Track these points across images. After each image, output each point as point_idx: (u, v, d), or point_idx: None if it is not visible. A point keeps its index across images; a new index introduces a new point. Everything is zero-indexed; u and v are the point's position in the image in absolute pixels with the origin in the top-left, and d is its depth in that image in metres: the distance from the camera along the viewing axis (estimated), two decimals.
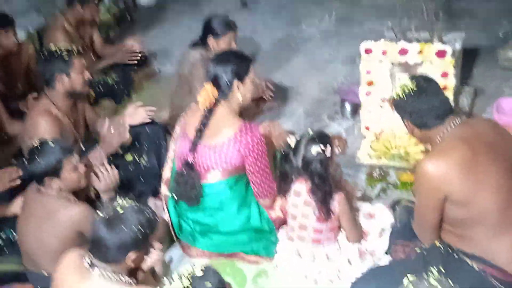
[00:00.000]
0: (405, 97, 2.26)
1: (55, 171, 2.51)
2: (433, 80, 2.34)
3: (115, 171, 2.78)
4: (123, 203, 2.05)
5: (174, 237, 2.88)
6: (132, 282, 2.11)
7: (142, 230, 2.02)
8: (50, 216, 2.47)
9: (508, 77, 4.18)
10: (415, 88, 2.25)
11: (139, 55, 4.60)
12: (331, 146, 2.54)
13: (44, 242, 2.46)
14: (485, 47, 4.63)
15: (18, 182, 2.86)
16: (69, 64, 3.04)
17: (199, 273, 1.79)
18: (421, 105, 2.23)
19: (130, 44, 4.61)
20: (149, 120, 3.33)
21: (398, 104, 2.32)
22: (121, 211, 2.02)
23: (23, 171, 3.10)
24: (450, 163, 2.10)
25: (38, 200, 2.55)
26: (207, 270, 1.81)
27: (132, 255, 2.05)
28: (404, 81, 2.33)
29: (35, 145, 2.54)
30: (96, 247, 2.05)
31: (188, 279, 1.78)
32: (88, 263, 2.05)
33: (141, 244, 2.06)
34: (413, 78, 2.33)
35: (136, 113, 3.30)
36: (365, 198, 3.09)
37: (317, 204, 2.52)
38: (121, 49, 4.57)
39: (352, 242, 2.64)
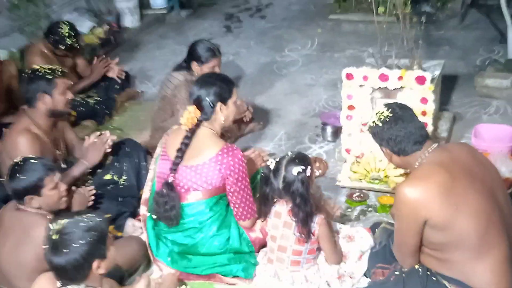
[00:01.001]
0: (381, 124, 2.30)
1: (36, 189, 2.49)
2: (408, 107, 2.37)
3: (89, 188, 2.78)
4: (55, 227, 2.00)
5: (152, 258, 2.84)
6: None
7: (89, 239, 1.98)
8: (27, 235, 2.43)
9: (485, 104, 4.26)
10: (390, 116, 2.29)
11: (114, 65, 4.60)
12: (311, 167, 2.56)
13: (20, 260, 2.41)
14: (463, 74, 4.73)
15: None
16: (52, 84, 3.04)
17: None
18: (398, 132, 2.26)
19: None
20: (108, 150, 3.22)
21: (375, 132, 2.34)
22: (56, 236, 1.98)
23: (2, 190, 3.08)
24: (429, 188, 2.13)
25: (16, 218, 2.51)
26: None
27: (95, 265, 2.02)
28: (380, 108, 2.36)
29: (18, 162, 2.53)
30: (58, 275, 2.02)
31: None
32: (60, 284, 2.03)
33: (97, 251, 2.02)
34: (388, 105, 2.36)
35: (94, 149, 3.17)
36: (345, 220, 3.10)
37: (297, 225, 2.52)
38: (95, 68, 4.55)
39: (331, 264, 2.64)
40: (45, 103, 3.05)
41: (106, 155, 3.24)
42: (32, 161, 2.53)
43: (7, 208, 2.63)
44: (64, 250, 1.96)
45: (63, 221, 2.01)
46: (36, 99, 3.04)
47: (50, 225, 2.02)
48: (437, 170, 2.16)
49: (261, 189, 2.63)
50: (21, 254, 2.42)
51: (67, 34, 4.21)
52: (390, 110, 2.31)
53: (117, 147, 3.32)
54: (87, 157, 3.09)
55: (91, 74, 4.55)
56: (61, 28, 4.20)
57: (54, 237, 1.99)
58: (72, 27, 4.29)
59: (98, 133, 3.23)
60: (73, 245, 1.96)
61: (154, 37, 6.39)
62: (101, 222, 2.06)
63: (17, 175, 2.48)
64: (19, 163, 2.52)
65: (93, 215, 2.07)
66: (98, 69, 4.55)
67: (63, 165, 3.17)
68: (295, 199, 2.51)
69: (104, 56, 4.80)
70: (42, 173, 2.50)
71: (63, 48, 4.26)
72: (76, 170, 3.09)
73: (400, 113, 2.29)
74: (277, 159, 2.59)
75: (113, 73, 4.64)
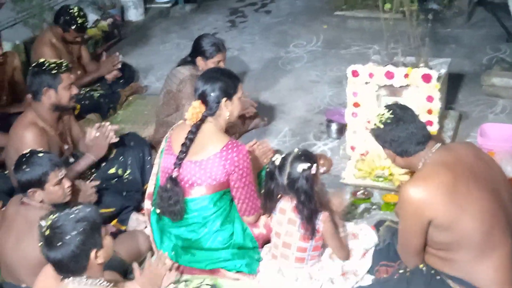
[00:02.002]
0: (383, 126, 2.30)
1: (40, 183, 2.49)
2: (409, 108, 2.37)
3: (91, 184, 2.77)
4: (47, 223, 2.00)
5: (156, 252, 2.84)
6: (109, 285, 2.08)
7: (81, 229, 1.97)
8: (31, 228, 2.42)
9: (491, 103, 4.24)
10: (391, 117, 2.28)
11: (119, 65, 4.61)
12: (316, 164, 2.55)
13: (25, 254, 2.42)
14: (470, 73, 4.71)
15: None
16: (57, 79, 3.03)
17: None
18: (400, 133, 2.26)
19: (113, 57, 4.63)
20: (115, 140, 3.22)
21: (377, 134, 2.35)
22: (48, 232, 1.97)
23: (6, 183, 3.09)
24: (433, 188, 2.12)
25: (20, 212, 2.52)
26: None
27: (93, 255, 2.01)
28: (381, 110, 2.36)
29: (25, 154, 2.54)
30: (58, 269, 2.02)
31: None
32: (61, 278, 2.03)
33: (92, 240, 2.01)
34: (389, 107, 2.36)
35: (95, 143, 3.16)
36: (349, 218, 3.09)
37: (302, 222, 2.52)
38: (104, 63, 4.56)
39: (341, 259, 2.64)
40: (50, 98, 3.04)
41: (110, 148, 3.23)
42: (39, 154, 2.54)
43: (12, 202, 2.64)
44: (58, 244, 1.96)
45: (53, 216, 2.01)
46: (41, 93, 3.03)
47: (41, 222, 2.01)
48: (441, 170, 2.15)
49: (266, 185, 2.63)
50: (24, 248, 2.43)
51: (76, 14, 4.27)
52: (391, 111, 2.31)
53: (122, 141, 3.31)
54: (93, 150, 3.08)
55: (99, 68, 4.55)
56: (71, 9, 4.28)
57: (46, 233, 1.98)
58: (80, 8, 4.37)
59: (97, 124, 3.20)
60: (66, 237, 1.96)
61: (158, 31, 6.38)
62: (91, 211, 2.05)
63: (23, 166, 2.49)
64: (27, 155, 2.53)
65: (82, 206, 2.07)
66: (107, 65, 4.55)
67: (71, 159, 3.17)
68: (299, 196, 2.51)
69: (107, 48, 4.79)
70: (48, 167, 2.50)
71: (73, 28, 4.28)
72: (83, 164, 3.09)
73: (401, 114, 2.29)
74: (283, 155, 2.59)
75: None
